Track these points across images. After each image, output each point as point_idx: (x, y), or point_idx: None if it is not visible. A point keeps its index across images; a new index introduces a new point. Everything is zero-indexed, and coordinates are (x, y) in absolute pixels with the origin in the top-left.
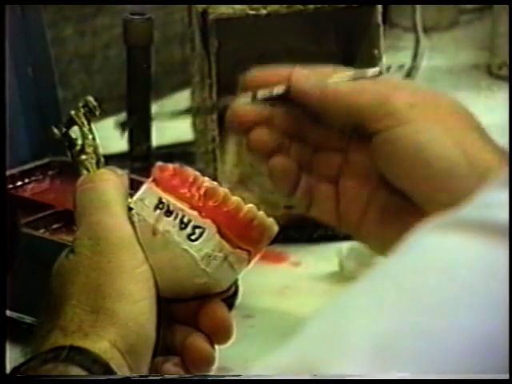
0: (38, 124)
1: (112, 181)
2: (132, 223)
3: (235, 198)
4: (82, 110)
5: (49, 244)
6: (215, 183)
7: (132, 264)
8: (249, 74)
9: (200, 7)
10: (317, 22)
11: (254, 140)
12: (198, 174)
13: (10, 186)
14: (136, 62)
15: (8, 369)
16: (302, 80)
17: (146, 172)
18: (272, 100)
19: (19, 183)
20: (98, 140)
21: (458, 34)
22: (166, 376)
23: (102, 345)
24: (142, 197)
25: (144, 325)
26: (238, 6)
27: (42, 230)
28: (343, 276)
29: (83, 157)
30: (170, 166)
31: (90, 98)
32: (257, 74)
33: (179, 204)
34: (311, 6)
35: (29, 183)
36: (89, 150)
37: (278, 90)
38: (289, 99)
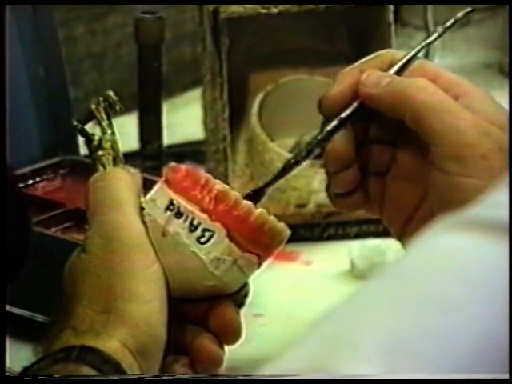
0: (50, 123)
1: (125, 180)
2: (144, 223)
3: (246, 202)
4: (102, 105)
5: (60, 243)
6: (227, 187)
7: (144, 264)
8: (322, 101)
9: (211, 6)
10: (328, 21)
11: (342, 179)
12: (209, 176)
13: (22, 184)
14: (147, 61)
15: (19, 368)
16: (370, 87)
17: (157, 171)
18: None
19: (30, 182)
20: (117, 135)
21: (470, 32)
22: (165, 377)
23: (112, 344)
24: (153, 197)
25: (155, 325)
26: (249, 5)
27: (53, 229)
28: (354, 275)
29: (100, 152)
30: (183, 167)
31: (111, 93)
32: (328, 99)
33: (190, 206)
34: (322, 5)
35: (40, 182)
36: (106, 145)
37: (353, 107)
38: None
